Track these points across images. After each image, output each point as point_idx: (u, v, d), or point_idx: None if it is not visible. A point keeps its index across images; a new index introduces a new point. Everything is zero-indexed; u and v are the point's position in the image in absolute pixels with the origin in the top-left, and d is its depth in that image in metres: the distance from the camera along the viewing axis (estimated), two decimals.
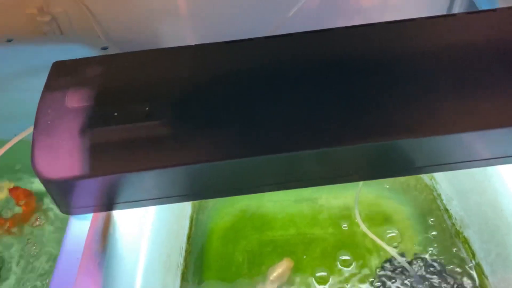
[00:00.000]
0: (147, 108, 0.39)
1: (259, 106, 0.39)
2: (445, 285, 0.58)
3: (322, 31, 0.44)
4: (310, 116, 0.38)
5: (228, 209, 0.75)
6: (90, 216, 0.42)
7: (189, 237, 0.67)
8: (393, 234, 0.67)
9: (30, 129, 0.46)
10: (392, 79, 0.40)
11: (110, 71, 0.42)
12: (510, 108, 0.36)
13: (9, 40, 0.70)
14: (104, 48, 0.65)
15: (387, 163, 0.40)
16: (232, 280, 0.66)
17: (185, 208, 0.68)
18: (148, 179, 0.38)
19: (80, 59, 0.44)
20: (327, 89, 0.40)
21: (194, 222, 0.70)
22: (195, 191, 0.41)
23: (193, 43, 0.45)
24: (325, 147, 0.37)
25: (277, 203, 0.76)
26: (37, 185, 0.77)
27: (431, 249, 0.64)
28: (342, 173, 0.41)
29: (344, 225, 0.70)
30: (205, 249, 0.69)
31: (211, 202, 0.74)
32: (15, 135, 0.48)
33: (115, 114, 0.39)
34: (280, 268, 0.65)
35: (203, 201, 0.74)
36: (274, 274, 0.64)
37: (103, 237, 0.40)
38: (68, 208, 0.41)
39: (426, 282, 0.59)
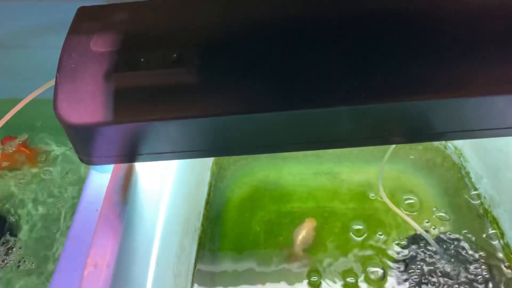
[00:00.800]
0: (174, 55, 0.37)
1: (292, 57, 0.37)
2: (472, 265, 0.56)
3: None
4: (344, 71, 0.36)
5: (247, 178, 0.73)
6: (110, 168, 0.41)
7: (207, 203, 0.66)
8: (417, 212, 0.65)
9: (47, 85, 0.45)
10: (427, 37, 0.37)
11: (137, 17, 0.41)
12: None
13: None
14: None
15: (420, 124, 0.38)
16: (248, 249, 0.65)
17: (204, 174, 0.66)
18: (172, 129, 0.37)
19: (106, 5, 0.42)
20: (362, 43, 0.37)
21: (213, 189, 0.68)
22: (219, 146, 0.39)
23: None
24: (359, 104, 0.35)
25: (297, 176, 0.74)
26: (54, 147, 0.77)
27: (456, 228, 0.61)
28: (375, 134, 0.39)
29: (366, 199, 0.68)
30: (222, 217, 0.68)
31: (230, 171, 0.73)
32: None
33: (142, 59, 0.37)
34: (305, 230, 0.64)
35: (222, 169, 0.73)
36: (300, 237, 0.63)
37: (124, 188, 0.39)
38: (89, 157, 0.39)
39: (452, 260, 0.57)
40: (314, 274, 0.62)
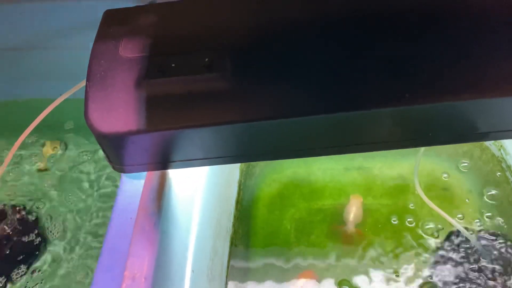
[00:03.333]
0: (206, 59, 0.36)
1: (328, 59, 0.35)
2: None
3: None
4: (378, 74, 0.34)
5: (276, 175, 0.72)
6: (142, 175, 0.40)
7: (237, 202, 0.65)
8: (456, 208, 0.63)
9: (76, 88, 0.44)
10: (455, 37, 0.35)
11: (166, 20, 0.39)
12: None
13: None
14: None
15: (463, 125, 0.35)
16: (280, 247, 0.64)
17: (234, 172, 0.65)
18: (204, 136, 0.36)
19: (133, 7, 0.41)
20: (395, 44, 0.35)
21: (242, 187, 0.67)
22: (251, 151, 0.38)
23: None
24: (395, 106, 0.33)
25: (327, 171, 0.72)
26: (88, 146, 0.77)
27: (496, 225, 0.59)
28: (416, 135, 0.37)
29: (401, 195, 0.66)
30: (252, 216, 0.67)
31: (258, 168, 0.72)
32: (61, 95, 0.46)
33: (173, 65, 0.36)
34: (354, 207, 0.64)
35: (251, 167, 0.72)
36: (352, 215, 0.63)
37: (159, 197, 0.38)
38: (122, 165, 0.38)
39: (492, 257, 0.55)
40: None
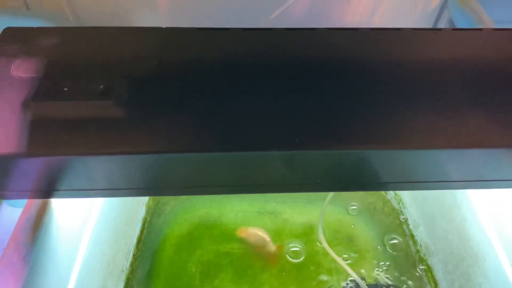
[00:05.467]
0: (101, 86, 0.35)
1: (225, 98, 0.36)
2: None
3: (303, 30, 0.41)
4: (279, 116, 0.35)
5: (187, 215, 0.70)
6: (24, 203, 0.37)
7: (139, 241, 0.62)
8: (355, 255, 0.64)
9: None
10: (369, 86, 0.37)
11: (66, 44, 0.38)
12: (488, 129, 0.34)
13: None
14: None
15: (356, 174, 0.37)
16: None
17: (138, 209, 0.63)
18: (92, 166, 0.34)
19: (35, 28, 0.40)
20: (301, 89, 0.37)
21: (147, 225, 0.65)
22: (145, 185, 0.37)
23: None
24: (294, 150, 0.34)
25: (240, 214, 0.72)
26: None
27: (392, 274, 0.61)
28: (309, 180, 0.38)
29: (307, 243, 0.67)
30: (156, 256, 0.64)
31: (169, 206, 0.70)
32: None
33: (65, 89, 0.35)
34: (255, 231, 0.66)
35: (160, 204, 0.69)
36: (264, 235, 0.66)
37: (35, 227, 0.35)
38: (2, 190, 0.36)
39: None
40: None
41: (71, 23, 0.66)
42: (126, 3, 0.71)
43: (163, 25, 0.78)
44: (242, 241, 0.67)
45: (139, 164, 0.35)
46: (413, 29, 0.42)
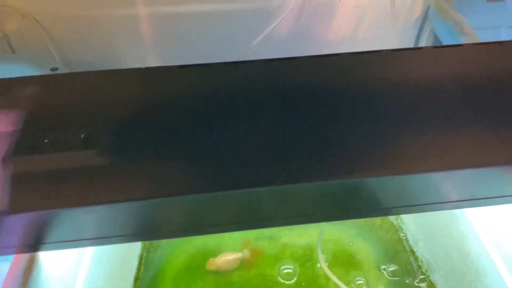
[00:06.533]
0: (82, 136, 0.34)
1: (210, 137, 0.35)
2: None
3: (284, 60, 0.41)
4: (265, 151, 0.34)
5: (184, 246, 0.69)
6: (11, 258, 0.36)
7: (136, 279, 0.61)
8: (358, 278, 0.64)
9: None
10: (353, 113, 0.37)
11: (45, 93, 0.38)
12: (477, 149, 0.34)
13: None
14: (54, 69, 0.60)
15: (347, 203, 0.37)
16: None
17: (133, 246, 0.62)
18: (80, 216, 0.33)
19: (14, 78, 0.40)
20: (285, 121, 0.36)
21: (144, 262, 0.64)
22: (134, 231, 0.36)
23: None
24: (281, 184, 0.33)
25: (238, 241, 0.71)
26: None
27: None
28: (301, 212, 0.37)
29: (307, 267, 0.66)
30: None
31: (165, 240, 0.69)
32: None
33: (46, 140, 0.34)
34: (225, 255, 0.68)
35: None
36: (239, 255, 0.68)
37: (23, 282, 0.34)
38: None
39: None
40: None
41: (58, 64, 0.66)
42: (113, 41, 0.71)
43: (150, 60, 0.78)
44: (215, 273, 0.67)
45: (127, 211, 0.34)
46: (393, 50, 0.42)
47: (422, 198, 0.38)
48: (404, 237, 0.64)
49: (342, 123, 0.36)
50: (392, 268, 0.63)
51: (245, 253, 0.68)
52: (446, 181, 0.35)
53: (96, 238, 0.36)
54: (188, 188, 0.33)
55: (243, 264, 0.68)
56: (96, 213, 0.33)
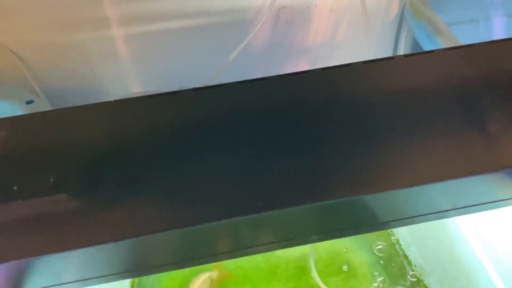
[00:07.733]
0: (51, 179, 0.34)
1: (183, 170, 0.35)
2: None
3: (254, 81, 0.40)
4: (240, 179, 0.34)
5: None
6: None
7: None
8: (352, 282, 0.63)
9: None
10: (330, 131, 0.36)
11: (10, 136, 0.37)
12: (459, 158, 0.34)
13: None
14: (29, 102, 0.59)
15: (329, 224, 0.36)
16: None
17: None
18: (55, 263, 0.33)
19: None
20: (259, 146, 0.36)
21: (136, 287, 0.63)
22: (115, 271, 0.35)
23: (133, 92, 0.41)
24: (258, 213, 0.33)
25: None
26: None
27: None
28: (282, 238, 0.37)
29: (302, 278, 0.65)
30: None
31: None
32: None
33: (14, 188, 0.33)
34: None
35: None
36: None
37: None
38: None
39: None
40: None
41: (38, 94, 0.65)
42: (91, 64, 0.70)
43: (131, 78, 0.77)
44: None
45: (103, 253, 0.33)
46: (364, 62, 0.41)
47: (405, 212, 0.37)
48: (397, 242, 0.64)
49: (316, 143, 0.35)
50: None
51: (213, 273, 0.69)
52: (426, 194, 0.35)
53: (75, 281, 0.36)
54: (163, 224, 0.32)
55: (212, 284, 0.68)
56: (70, 258, 0.33)
